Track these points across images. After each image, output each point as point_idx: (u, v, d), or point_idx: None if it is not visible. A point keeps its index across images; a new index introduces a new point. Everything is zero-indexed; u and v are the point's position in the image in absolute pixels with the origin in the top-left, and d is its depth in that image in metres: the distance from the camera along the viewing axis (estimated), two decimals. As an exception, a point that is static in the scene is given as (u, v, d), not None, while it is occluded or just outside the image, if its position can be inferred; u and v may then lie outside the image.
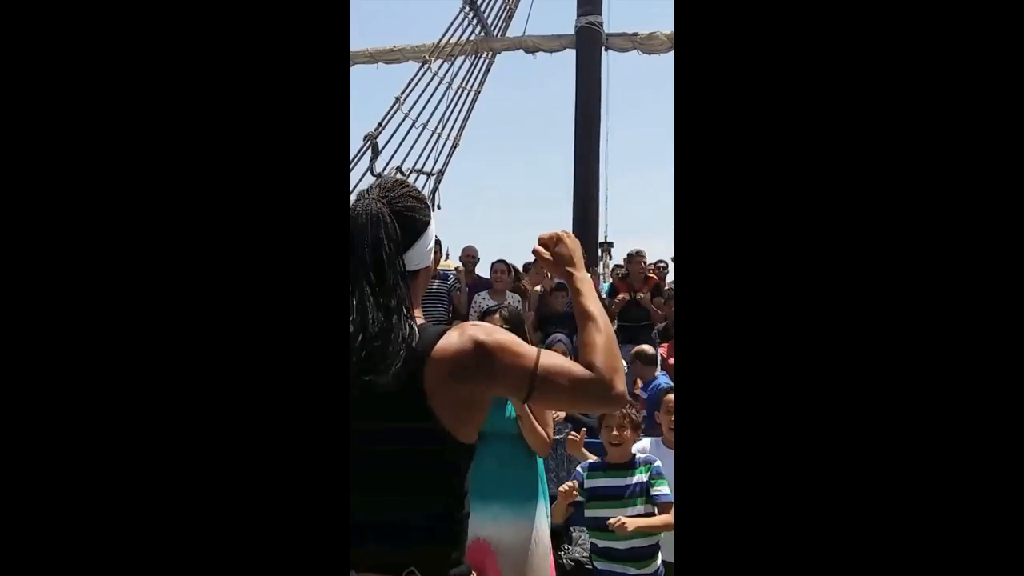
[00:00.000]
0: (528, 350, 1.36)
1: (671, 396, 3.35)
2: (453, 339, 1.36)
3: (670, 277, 8.16)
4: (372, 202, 1.41)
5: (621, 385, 1.38)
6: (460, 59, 11.34)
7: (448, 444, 1.37)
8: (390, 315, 1.35)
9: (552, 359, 1.36)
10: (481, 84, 11.48)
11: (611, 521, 2.79)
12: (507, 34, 11.59)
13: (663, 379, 5.28)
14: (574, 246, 1.57)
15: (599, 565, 3.01)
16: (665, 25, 11.09)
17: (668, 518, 2.88)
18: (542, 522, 3.20)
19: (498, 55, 11.55)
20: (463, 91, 11.52)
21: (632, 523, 2.81)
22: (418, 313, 1.45)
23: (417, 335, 1.36)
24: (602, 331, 1.41)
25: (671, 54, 10.73)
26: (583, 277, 1.53)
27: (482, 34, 11.29)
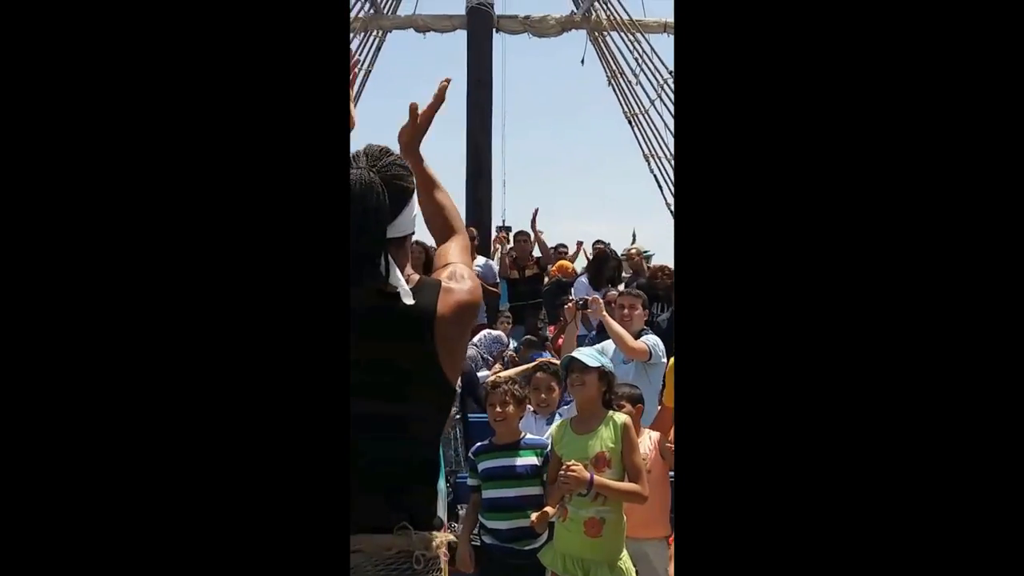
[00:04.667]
0: (464, 279, 1.56)
1: (540, 374, 3.62)
2: (454, 288, 1.53)
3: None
4: (363, 171, 1.45)
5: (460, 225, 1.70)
6: (349, 36, 11.15)
7: (445, 391, 1.54)
8: (384, 277, 1.45)
9: (458, 262, 1.61)
10: (372, 63, 10.22)
11: (534, 517, 2.95)
12: (398, 12, 10.69)
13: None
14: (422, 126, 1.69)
15: (487, 540, 3.15)
16: (555, 9, 10.50)
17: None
18: (441, 502, 3.17)
19: (389, 34, 10.71)
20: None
21: (542, 516, 2.96)
22: (409, 270, 1.54)
23: (411, 297, 1.46)
24: (447, 195, 1.71)
25: (561, 37, 10.06)
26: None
27: (371, 11, 9.92)
